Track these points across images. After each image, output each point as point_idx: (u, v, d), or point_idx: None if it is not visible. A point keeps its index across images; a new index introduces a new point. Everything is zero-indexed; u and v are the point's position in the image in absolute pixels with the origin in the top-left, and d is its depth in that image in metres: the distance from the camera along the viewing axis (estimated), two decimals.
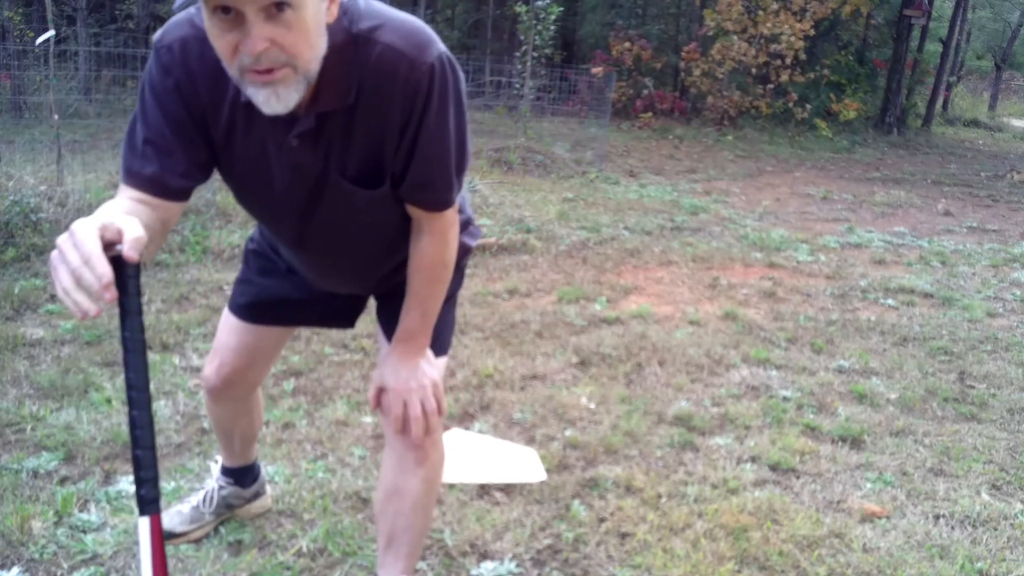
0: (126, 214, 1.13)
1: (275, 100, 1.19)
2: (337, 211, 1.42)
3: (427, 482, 1.60)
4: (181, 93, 1.29)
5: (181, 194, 1.33)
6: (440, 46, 1.30)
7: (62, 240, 1.02)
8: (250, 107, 1.28)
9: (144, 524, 1.10)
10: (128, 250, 1.02)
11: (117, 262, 1.02)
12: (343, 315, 1.80)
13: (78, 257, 0.99)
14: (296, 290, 1.70)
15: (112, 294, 1.00)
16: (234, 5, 1.10)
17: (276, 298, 1.72)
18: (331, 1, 1.21)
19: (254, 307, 1.74)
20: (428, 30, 1.31)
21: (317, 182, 1.37)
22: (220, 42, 1.16)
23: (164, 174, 1.30)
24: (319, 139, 1.32)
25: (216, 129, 1.33)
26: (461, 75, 1.35)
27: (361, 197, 1.39)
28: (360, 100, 1.29)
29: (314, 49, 1.19)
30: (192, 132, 1.32)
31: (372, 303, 1.77)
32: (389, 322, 1.63)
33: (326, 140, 1.32)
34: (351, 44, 1.26)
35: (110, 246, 1.02)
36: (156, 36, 1.31)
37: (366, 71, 1.27)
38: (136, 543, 1.98)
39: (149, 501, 1.10)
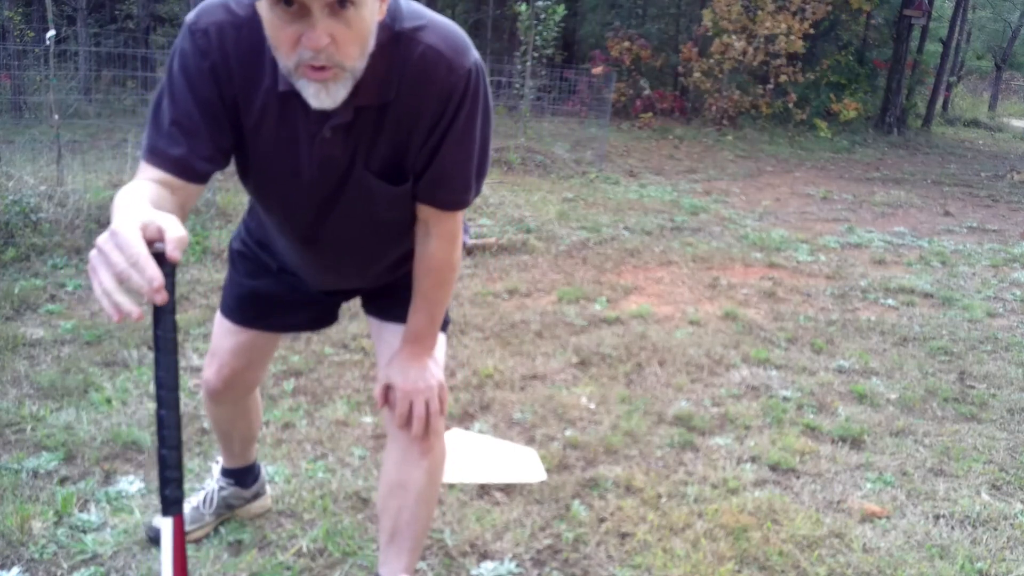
0: (151, 204, 1.13)
1: (325, 95, 1.22)
2: (356, 206, 1.44)
3: (431, 474, 1.61)
4: (216, 77, 1.30)
5: (203, 177, 1.33)
6: (476, 53, 1.34)
7: (103, 241, 1.00)
8: (286, 96, 1.29)
9: (167, 524, 1.09)
10: (172, 250, 1.02)
11: (156, 260, 1.01)
12: (329, 313, 1.82)
13: (123, 259, 0.98)
14: (287, 291, 1.71)
15: (163, 296, 1.00)
16: None
17: (267, 299, 1.73)
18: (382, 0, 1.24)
19: (245, 310, 1.75)
20: (466, 36, 1.34)
21: (343, 175, 1.39)
22: (280, 34, 1.17)
23: (191, 156, 1.30)
24: (351, 132, 1.34)
25: (247, 115, 1.34)
26: (489, 84, 1.38)
27: (383, 193, 1.41)
28: (396, 97, 1.31)
29: (365, 48, 1.22)
30: (220, 116, 1.32)
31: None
32: (379, 312, 1.68)
33: (357, 134, 1.34)
34: (393, 41, 1.28)
35: (149, 244, 1.01)
36: (190, 18, 1.31)
37: (406, 69, 1.30)
38: (136, 543, 1.99)
39: (173, 502, 1.09)
